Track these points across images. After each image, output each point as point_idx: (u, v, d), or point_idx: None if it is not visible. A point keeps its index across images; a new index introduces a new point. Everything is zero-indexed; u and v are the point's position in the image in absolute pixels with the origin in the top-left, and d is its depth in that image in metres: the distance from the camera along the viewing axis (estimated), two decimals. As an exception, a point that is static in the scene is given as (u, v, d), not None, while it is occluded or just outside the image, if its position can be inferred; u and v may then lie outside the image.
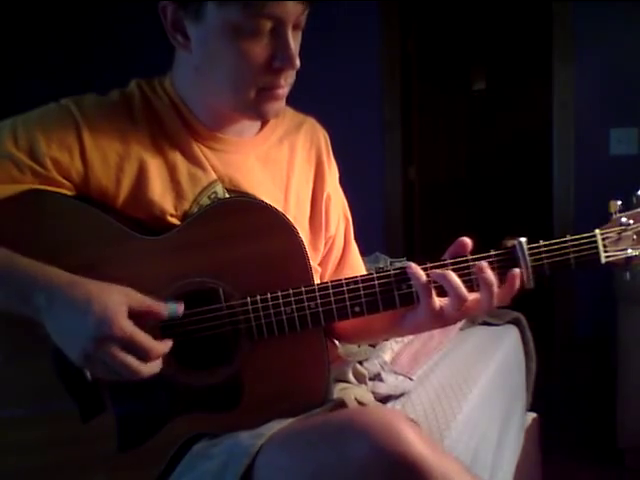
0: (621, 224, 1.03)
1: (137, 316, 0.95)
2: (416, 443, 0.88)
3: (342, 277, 1.05)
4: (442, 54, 4.22)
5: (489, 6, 4.55)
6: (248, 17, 0.99)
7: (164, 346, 0.97)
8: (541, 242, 1.03)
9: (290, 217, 1.08)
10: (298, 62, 1.04)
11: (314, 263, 1.20)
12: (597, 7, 3.01)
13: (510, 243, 1.03)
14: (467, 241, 1.03)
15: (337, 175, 1.30)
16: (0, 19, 3.36)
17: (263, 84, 1.05)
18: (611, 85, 3.05)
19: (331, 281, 1.03)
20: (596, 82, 3.07)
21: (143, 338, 0.94)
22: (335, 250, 1.27)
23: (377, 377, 1.53)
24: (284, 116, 1.21)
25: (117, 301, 0.94)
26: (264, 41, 1.02)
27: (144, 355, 0.94)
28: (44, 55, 3.54)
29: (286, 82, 1.07)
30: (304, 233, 1.18)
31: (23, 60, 3.50)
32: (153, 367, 0.97)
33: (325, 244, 1.26)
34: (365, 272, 1.29)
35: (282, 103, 1.10)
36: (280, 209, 1.09)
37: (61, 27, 3.57)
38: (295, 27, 1.04)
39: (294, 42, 1.04)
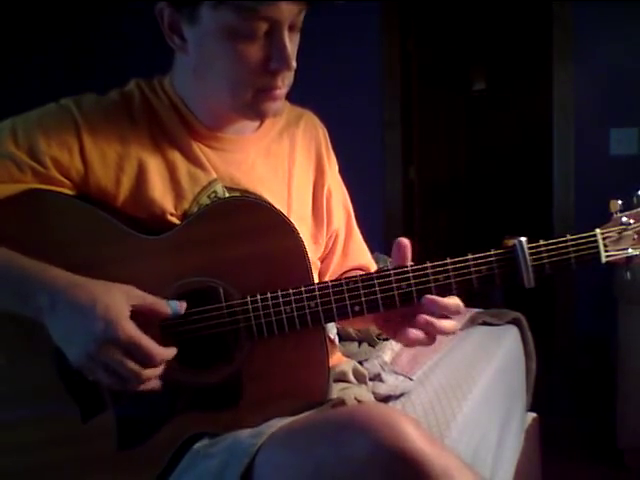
0: (622, 224, 1.03)
1: (139, 314, 0.95)
2: (416, 439, 0.88)
3: (346, 267, 1.03)
4: (442, 54, 4.22)
5: (489, 6, 4.55)
6: (243, 20, 0.99)
7: (168, 352, 0.97)
8: (541, 242, 1.02)
9: (293, 210, 1.08)
10: (294, 63, 1.04)
11: (314, 257, 1.21)
12: (597, 7, 3.01)
13: (510, 243, 1.02)
14: (405, 241, 1.03)
15: (337, 168, 1.30)
16: (0, 19, 3.36)
17: (260, 85, 1.05)
18: (611, 85, 3.05)
19: (331, 281, 1.03)
20: (596, 82, 3.07)
21: (147, 342, 0.94)
22: (339, 243, 1.29)
23: (377, 377, 1.53)
24: (283, 109, 1.21)
25: (120, 302, 0.94)
26: (260, 43, 1.01)
27: (147, 360, 0.94)
28: (44, 55, 3.53)
29: (283, 83, 1.06)
30: (306, 226, 1.19)
31: (23, 60, 3.50)
32: (155, 372, 0.96)
33: (330, 237, 1.27)
34: (371, 259, 1.32)
35: (281, 102, 1.10)
36: (284, 203, 1.09)
37: (61, 27, 3.57)
38: (291, 28, 1.04)
39: (290, 43, 1.03)
